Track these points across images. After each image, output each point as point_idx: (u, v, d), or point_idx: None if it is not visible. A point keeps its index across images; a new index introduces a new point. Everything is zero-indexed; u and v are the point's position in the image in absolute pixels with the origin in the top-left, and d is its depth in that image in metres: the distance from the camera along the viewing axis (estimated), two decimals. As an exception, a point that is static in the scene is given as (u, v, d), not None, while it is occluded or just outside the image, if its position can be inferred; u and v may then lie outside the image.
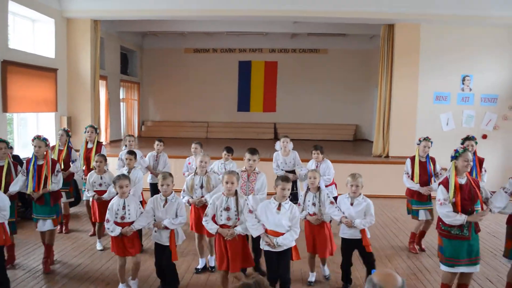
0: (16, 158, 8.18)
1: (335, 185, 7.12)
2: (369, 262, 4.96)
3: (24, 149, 10.34)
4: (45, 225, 5.60)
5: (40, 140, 5.57)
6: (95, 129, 7.21)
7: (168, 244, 4.78)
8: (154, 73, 17.71)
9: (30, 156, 5.65)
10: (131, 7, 10.71)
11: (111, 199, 5.07)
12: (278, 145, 7.37)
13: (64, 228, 7.24)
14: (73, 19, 11.12)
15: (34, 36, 10.68)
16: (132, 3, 10.67)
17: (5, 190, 5.41)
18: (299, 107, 17.31)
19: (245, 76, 17.62)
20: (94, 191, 6.18)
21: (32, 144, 5.62)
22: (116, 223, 4.78)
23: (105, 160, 6.36)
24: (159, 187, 4.83)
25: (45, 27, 10.65)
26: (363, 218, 4.89)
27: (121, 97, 15.61)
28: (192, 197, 5.47)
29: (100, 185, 6.21)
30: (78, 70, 11.29)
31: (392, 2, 10.31)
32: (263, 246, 4.49)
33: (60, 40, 10.93)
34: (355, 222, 4.85)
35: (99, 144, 7.23)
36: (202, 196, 5.40)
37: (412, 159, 6.56)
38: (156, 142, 7.60)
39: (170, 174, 4.91)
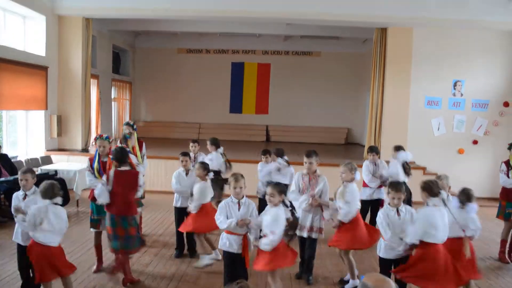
0: (4, 157, 8.09)
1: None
2: None
3: (12, 148, 10.23)
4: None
5: (103, 140, 5.46)
6: (132, 126, 6.92)
7: (239, 252, 4.46)
8: (147, 73, 17.60)
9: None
10: (124, 5, 10.61)
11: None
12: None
13: None
14: (65, 16, 11.00)
15: (24, 33, 10.54)
16: (124, 2, 10.57)
17: None
18: (292, 110, 17.30)
19: (238, 77, 17.58)
20: None
21: (96, 144, 5.52)
22: None
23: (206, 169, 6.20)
24: (231, 190, 4.52)
25: (36, 24, 10.52)
26: None
27: (112, 96, 15.48)
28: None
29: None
30: (69, 69, 11.17)
31: (385, 6, 10.32)
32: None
33: (51, 38, 10.80)
34: None
35: (139, 141, 6.97)
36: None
37: (506, 163, 6.57)
38: (190, 144, 7.39)
39: (242, 176, 4.60)
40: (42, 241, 4.28)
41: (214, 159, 7.35)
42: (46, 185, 4.40)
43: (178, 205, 6.11)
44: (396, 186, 4.50)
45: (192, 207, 5.71)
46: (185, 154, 6.16)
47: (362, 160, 11.19)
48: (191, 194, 5.87)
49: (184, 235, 6.16)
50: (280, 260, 4.35)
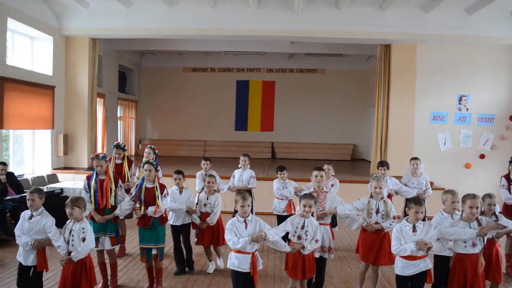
0: (10, 175, 8.11)
1: None
2: None
3: (19, 166, 10.28)
4: (105, 243, 5.44)
5: (99, 159, 5.48)
6: (122, 148, 7.03)
7: (249, 271, 4.40)
8: (152, 91, 17.76)
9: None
10: (130, 26, 10.77)
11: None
12: (408, 167, 7.37)
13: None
14: (72, 37, 11.17)
15: (32, 53, 10.70)
16: (130, 22, 10.73)
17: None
18: (297, 127, 17.35)
19: (243, 95, 17.68)
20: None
21: (93, 163, 5.54)
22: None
23: (216, 180, 6.29)
24: (238, 208, 4.46)
25: (44, 44, 10.68)
26: None
27: (118, 115, 15.59)
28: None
29: (205, 205, 6.03)
30: (75, 88, 11.28)
31: (388, 23, 10.40)
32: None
33: (58, 58, 10.95)
34: None
35: (129, 160, 7.11)
36: (377, 222, 5.08)
37: (506, 176, 6.56)
38: (202, 162, 7.40)
39: (249, 194, 4.63)
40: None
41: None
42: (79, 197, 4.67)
43: (171, 222, 6.08)
44: (417, 200, 4.49)
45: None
46: (179, 172, 6.16)
47: (368, 176, 11.18)
48: (186, 211, 5.95)
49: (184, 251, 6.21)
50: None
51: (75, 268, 4.44)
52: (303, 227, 4.57)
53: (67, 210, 4.51)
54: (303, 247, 4.50)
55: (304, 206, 4.57)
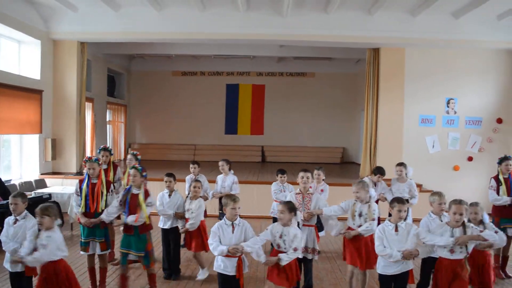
0: (-2, 181, 8.02)
1: None
2: None
3: (6, 171, 10.16)
4: (96, 248, 5.41)
5: (92, 162, 5.46)
6: (109, 151, 7.01)
7: (234, 274, 4.37)
8: (142, 95, 17.67)
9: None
10: (119, 29, 10.71)
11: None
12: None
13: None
14: (60, 40, 11.07)
15: (19, 57, 10.60)
16: (119, 26, 10.67)
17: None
18: (287, 130, 17.38)
19: (233, 99, 17.68)
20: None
21: (86, 166, 5.51)
22: None
23: (202, 186, 6.31)
24: (228, 211, 4.41)
25: (31, 48, 10.58)
26: None
27: (107, 119, 15.50)
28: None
29: (188, 210, 5.94)
30: (64, 92, 11.18)
31: (377, 26, 10.47)
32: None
33: (46, 62, 10.85)
34: None
35: (114, 165, 7.08)
36: (360, 225, 5.03)
37: (496, 178, 6.52)
38: (190, 165, 7.44)
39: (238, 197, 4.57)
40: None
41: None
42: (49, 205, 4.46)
43: (161, 225, 6.10)
44: (399, 199, 4.54)
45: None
46: (170, 175, 6.13)
47: (357, 179, 11.21)
48: (175, 215, 5.95)
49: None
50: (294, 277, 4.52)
51: (46, 276, 4.23)
52: (281, 236, 4.49)
53: (37, 219, 4.31)
54: (279, 259, 4.36)
55: (278, 212, 4.54)
